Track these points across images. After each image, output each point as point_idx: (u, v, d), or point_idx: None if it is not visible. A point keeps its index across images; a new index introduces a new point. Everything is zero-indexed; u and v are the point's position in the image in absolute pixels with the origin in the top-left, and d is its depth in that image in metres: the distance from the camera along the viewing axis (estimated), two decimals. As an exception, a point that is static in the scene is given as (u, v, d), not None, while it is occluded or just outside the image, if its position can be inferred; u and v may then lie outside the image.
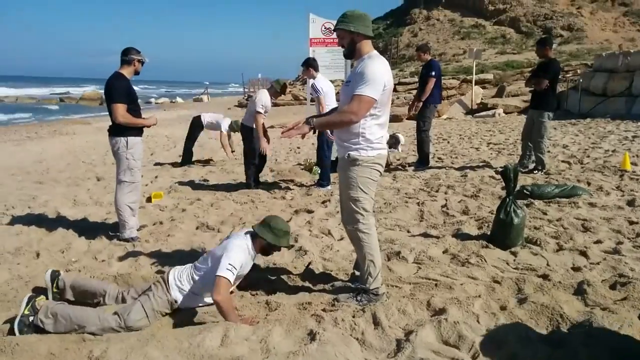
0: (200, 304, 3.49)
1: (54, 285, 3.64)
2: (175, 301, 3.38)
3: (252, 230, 3.61)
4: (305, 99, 22.30)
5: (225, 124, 10.50)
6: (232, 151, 10.86)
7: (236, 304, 3.54)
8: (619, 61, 16.03)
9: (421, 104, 8.42)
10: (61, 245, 5.01)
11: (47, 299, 3.47)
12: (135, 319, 3.19)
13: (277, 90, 7.27)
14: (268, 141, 7.34)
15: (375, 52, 3.38)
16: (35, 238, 5.28)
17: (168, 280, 3.43)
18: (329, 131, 6.83)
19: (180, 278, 3.46)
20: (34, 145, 14.96)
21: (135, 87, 5.22)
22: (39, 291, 3.70)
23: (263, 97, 7.14)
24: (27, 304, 3.24)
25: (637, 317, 3.01)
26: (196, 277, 3.44)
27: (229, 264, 3.28)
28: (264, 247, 3.58)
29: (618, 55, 16.56)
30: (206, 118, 10.52)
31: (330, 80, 7.48)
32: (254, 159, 7.42)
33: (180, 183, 8.13)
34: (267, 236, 3.51)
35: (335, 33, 3.43)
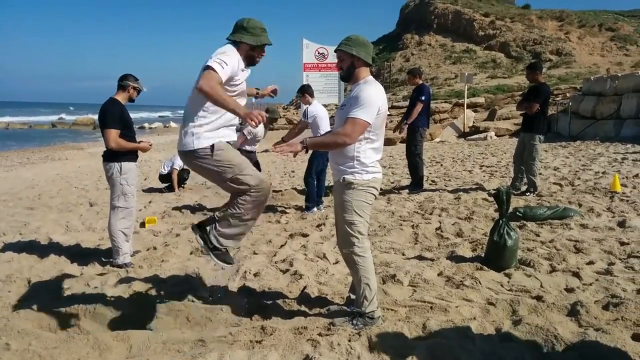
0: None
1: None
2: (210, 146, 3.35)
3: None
4: (299, 123, 22.48)
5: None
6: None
7: (230, 330, 3.52)
8: (607, 85, 16.31)
9: (407, 126, 8.52)
10: (53, 272, 4.96)
11: None
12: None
13: (269, 119, 7.28)
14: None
15: (371, 77, 3.45)
16: (27, 265, 5.22)
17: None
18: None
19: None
20: (25, 171, 14.93)
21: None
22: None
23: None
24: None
25: (630, 338, 3.03)
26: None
27: (218, 57, 3.16)
28: (247, 54, 3.45)
29: (606, 79, 16.85)
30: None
31: (324, 105, 7.60)
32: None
33: (174, 208, 8.12)
34: (245, 38, 3.41)
35: (336, 54, 3.49)
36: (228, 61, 3.23)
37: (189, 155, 3.45)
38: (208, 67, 3.14)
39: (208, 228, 3.55)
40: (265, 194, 3.57)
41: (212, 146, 3.38)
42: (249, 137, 7.34)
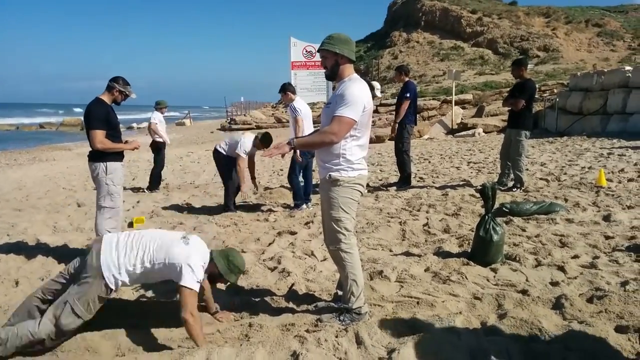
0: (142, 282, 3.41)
1: None
2: (109, 285, 3.27)
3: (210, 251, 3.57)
4: (288, 121, 22.49)
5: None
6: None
7: (218, 327, 3.53)
8: (594, 80, 16.45)
9: (397, 125, 8.56)
10: (41, 273, 4.94)
11: None
12: (67, 323, 3.17)
13: (261, 144, 7.36)
14: (253, 180, 7.78)
15: (356, 75, 3.46)
16: (14, 266, 5.20)
17: (104, 275, 3.26)
18: (299, 152, 6.97)
19: (119, 258, 3.31)
20: (12, 172, 14.80)
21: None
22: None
23: (247, 143, 7.27)
24: None
25: (613, 330, 3.07)
26: (144, 260, 3.32)
27: (192, 272, 3.23)
28: (212, 273, 3.53)
29: (593, 75, 16.99)
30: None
31: (312, 103, 7.62)
32: (229, 182, 7.50)
33: (163, 207, 8.10)
34: (220, 264, 3.48)
35: (319, 53, 3.50)
36: (200, 277, 3.33)
37: None
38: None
39: None
40: None
41: None
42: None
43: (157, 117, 10.16)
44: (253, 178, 7.85)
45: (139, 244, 3.39)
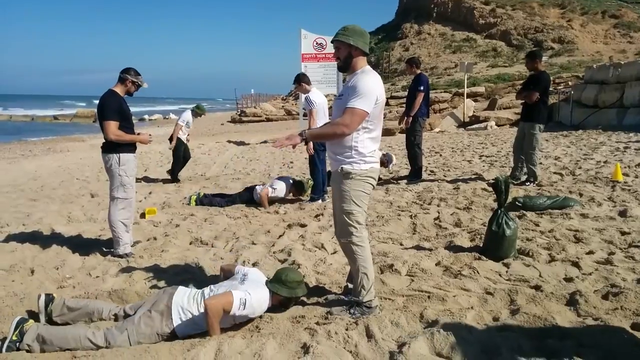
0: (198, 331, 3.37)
1: (47, 310, 3.53)
2: (173, 331, 3.30)
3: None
4: (298, 114, 22.45)
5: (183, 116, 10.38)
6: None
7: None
8: (610, 73, 16.21)
9: (411, 118, 8.50)
10: (55, 262, 5.00)
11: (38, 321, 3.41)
12: (115, 344, 3.18)
13: (295, 190, 7.72)
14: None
15: (368, 67, 3.43)
16: (30, 255, 5.26)
17: (171, 311, 3.33)
18: (311, 144, 6.95)
19: (187, 304, 3.37)
20: (27, 163, 14.94)
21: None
22: (32, 313, 3.67)
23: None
24: (15, 329, 3.20)
25: (629, 327, 3.03)
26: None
27: (245, 299, 3.25)
28: (281, 302, 3.55)
29: (609, 67, 16.74)
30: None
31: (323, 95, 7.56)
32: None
33: (174, 199, 8.13)
34: (282, 291, 3.49)
35: (333, 44, 3.47)
36: (249, 308, 3.32)
37: None
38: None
39: None
40: None
41: None
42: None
43: (185, 118, 10.32)
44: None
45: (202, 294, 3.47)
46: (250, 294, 3.30)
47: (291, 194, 7.74)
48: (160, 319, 3.28)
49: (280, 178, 7.82)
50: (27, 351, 3.13)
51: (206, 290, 3.49)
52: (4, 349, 3.12)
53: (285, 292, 3.49)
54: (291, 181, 7.72)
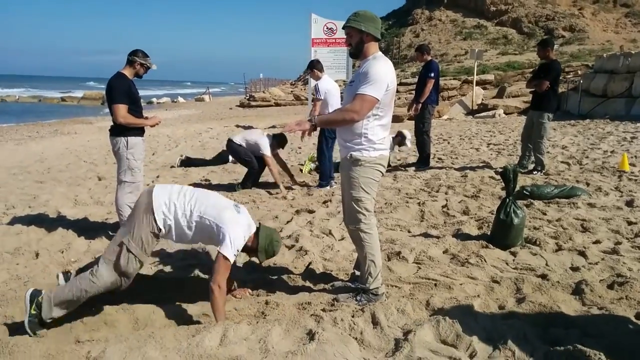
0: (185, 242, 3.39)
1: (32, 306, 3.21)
2: (157, 223, 3.25)
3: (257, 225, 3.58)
4: (307, 99, 22.36)
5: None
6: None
7: (235, 305, 3.56)
8: (620, 62, 16.04)
9: (420, 105, 8.44)
10: (61, 245, 5.03)
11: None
12: (125, 263, 3.20)
13: (276, 145, 7.57)
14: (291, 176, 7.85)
15: (380, 53, 3.41)
16: (35, 238, 5.29)
17: (152, 200, 3.26)
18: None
19: (173, 205, 3.29)
20: (35, 144, 15.01)
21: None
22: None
23: (265, 145, 7.33)
24: (32, 303, 3.18)
25: (634, 317, 3.03)
26: (195, 210, 3.30)
27: (232, 242, 3.22)
28: (251, 246, 3.49)
29: (619, 57, 16.55)
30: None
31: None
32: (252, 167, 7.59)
33: (182, 183, 8.14)
34: (262, 241, 3.47)
35: (344, 30, 3.45)
36: (239, 247, 3.34)
37: None
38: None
39: None
40: None
41: None
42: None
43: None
44: (290, 175, 7.83)
45: (192, 193, 3.40)
46: (236, 238, 3.25)
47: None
48: (147, 221, 3.25)
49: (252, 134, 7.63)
50: (51, 321, 3.17)
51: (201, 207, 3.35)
52: (26, 325, 3.12)
53: (261, 245, 3.46)
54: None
